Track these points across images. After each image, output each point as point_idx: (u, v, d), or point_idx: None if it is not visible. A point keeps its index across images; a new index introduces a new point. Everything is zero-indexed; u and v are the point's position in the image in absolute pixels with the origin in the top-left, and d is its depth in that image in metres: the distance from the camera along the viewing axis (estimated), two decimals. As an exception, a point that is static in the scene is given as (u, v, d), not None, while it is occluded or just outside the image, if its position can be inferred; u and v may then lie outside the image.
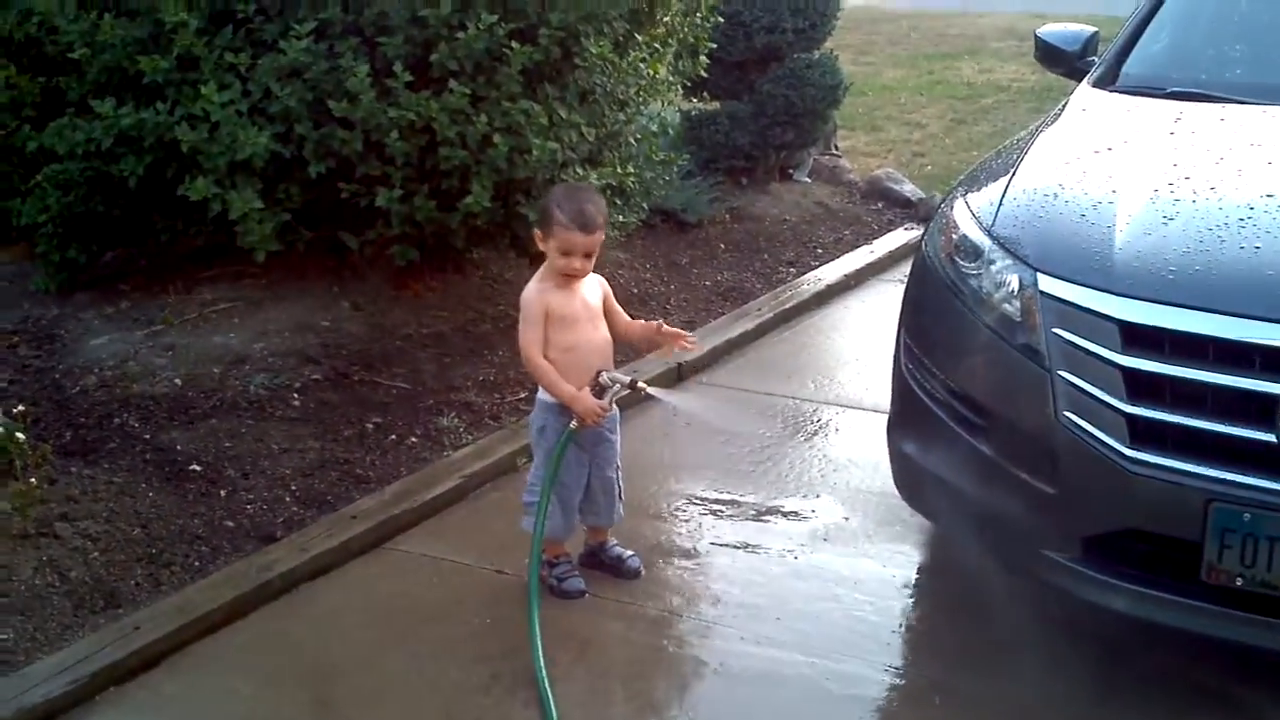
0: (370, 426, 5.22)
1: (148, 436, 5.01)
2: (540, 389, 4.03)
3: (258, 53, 5.45)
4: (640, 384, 4.03)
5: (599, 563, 4.26)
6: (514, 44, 5.33)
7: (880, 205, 8.93)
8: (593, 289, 4.04)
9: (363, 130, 5.36)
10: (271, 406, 5.27)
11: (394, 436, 5.16)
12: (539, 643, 3.72)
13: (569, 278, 3.94)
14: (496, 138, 5.36)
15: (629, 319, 4.19)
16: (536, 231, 4.00)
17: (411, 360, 5.74)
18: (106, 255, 6.46)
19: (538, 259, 5.98)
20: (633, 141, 6.37)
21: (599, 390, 3.92)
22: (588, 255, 3.92)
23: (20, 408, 4.80)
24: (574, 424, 3.92)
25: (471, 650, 3.86)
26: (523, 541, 4.39)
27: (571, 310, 3.95)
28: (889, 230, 8.35)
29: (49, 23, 5.85)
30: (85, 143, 5.65)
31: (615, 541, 4.29)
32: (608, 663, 3.79)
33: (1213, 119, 4.22)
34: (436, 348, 5.88)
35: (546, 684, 3.57)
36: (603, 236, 3.99)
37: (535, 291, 3.95)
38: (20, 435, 4.55)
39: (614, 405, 4.01)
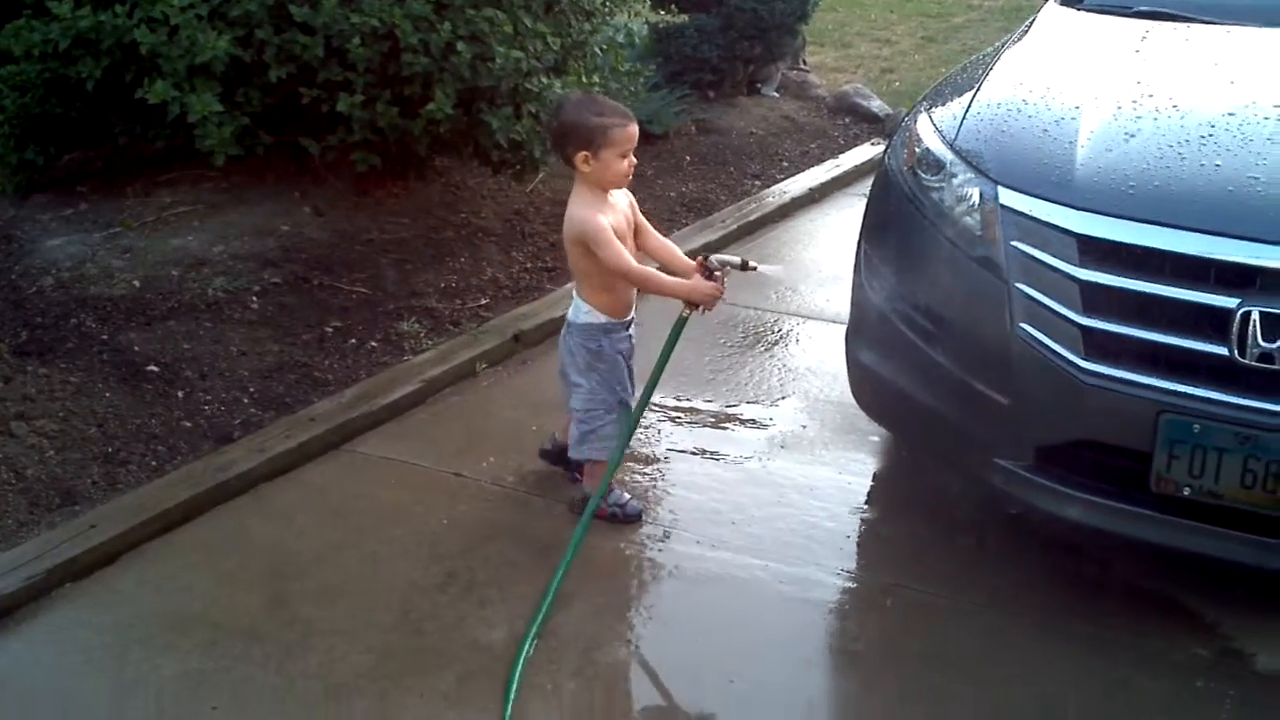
0: (330, 330, 5.20)
1: (105, 337, 4.99)
2: (579, 314, 3.90)
3: (219, -45, 5.37)
4: (751, 263, 3.83)
5: (559, 459, 4.24)
6: (479, -50, 5.27)
7: (847, 120, 8.90)
8: (624, 203, 3.92)
9: (324, 36, 5.29)
10: (230, 309, 5.25)
11: (353, 341, 5.15)
12: (565, 567, 3.66)
13: (627, 179, 3.81)
14: (460, 45, 5.31)
15: (660, 238, 4.05)
16: (580, 154, 3.72)
17: (372, 265, 5.71)
18: (64, 157, 6.39)
19: (500, 167, 6.01)
20: (598, 52, 6.31)
21: (708, 274, 3.80)
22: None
23: (-24, 306, 4.77)
24: (687, 311, 3.80)
25: (428, 550, 3.89)
26: (480, 445, 4.47)
27: (621, 228, 3.83)
28: (855, 145, 8.33)
29: (6, -80, 5.74)
30: (42, 44, 5.56)
31: None
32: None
33: (1178, 38, 4.23)
34: (398, 253, 5.85)
35: (547, 607, 3.55)
36: None
37: (592, 215, 3.75)
38: (-24, 333, 4.52)
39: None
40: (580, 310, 3.91)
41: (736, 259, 3.83)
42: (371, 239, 5.93)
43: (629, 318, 3.96)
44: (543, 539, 3.94)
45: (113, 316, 5.14)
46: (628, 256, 3.79)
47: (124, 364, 4.83)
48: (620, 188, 3.86)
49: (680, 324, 3.82)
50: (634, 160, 3.81)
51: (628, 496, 4.12)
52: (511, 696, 3.25)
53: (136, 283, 5.38)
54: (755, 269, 3.84)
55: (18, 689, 3.34)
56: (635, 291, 3.94)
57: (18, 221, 5.97)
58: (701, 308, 3.82)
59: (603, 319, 3.90)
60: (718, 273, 3.79)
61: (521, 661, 3.35)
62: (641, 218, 3.99)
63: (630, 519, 4.05)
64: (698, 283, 3.80)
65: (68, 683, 3.37)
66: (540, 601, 3.57)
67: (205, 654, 3.44)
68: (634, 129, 3.77)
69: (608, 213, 3.80)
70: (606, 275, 3.82)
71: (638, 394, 3.97)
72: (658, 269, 4.00)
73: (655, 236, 4.03)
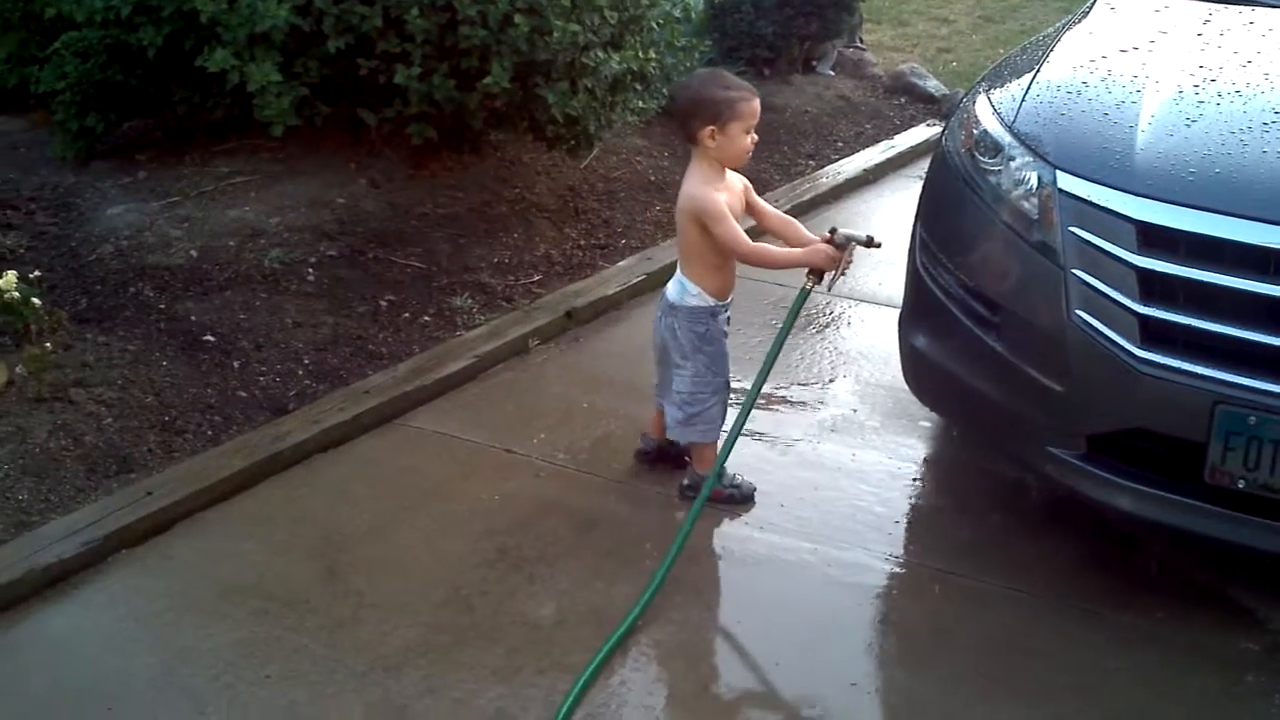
0: (384, 304, 5.24)
1: (162, 306, 5.04)
2: (686, 296, 3.89)
3: (280, -77, 5.39)
4: (876, 239, 3.87)
5: (670, 458, 4.22)
6: (539, -78, 5.27)
7: (903, 100, 8.84)
8: (739, 184, 3.95)
9: (383, 6, 5.31)
10: (286, 281, 5.29)
11: (407, 314, 5.18)
12: (676, 553, 3.63)
13: (749, 154, 3.84)
14: (518, 18, 5.31)
15: (780, 215, 4.08)
16: (707, 129, 3.73)
17: (427, 240, 5.74)
18: (124, 125, 6.45)
19: (555, 143, 6.01)
20: (655, 26, 6.29)
21: (835, 245, 3.83)
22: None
23: (36, 273, 4.84)
24: (810, 284, 3.83)
25: (479, 525, 3.91)
26: (532, 421, 4.49)
27: (736, 208, 3.86)
28: (910, 126, 8.26)
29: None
30: (104, 10, 5.61)
31: None
32: (612, 542, 3.83)
33: (1242, 22, 4.17)
34: (452, 228, 5.88)
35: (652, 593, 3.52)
36: None
37: (709, 191, 3.78)
38: (36, 300, 4.59)
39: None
40: (688, 292, 3.89)
41: (862, 235, 3.85)
42: (426, 213, 5.95)
43: (730, 299, 3.98)
44: (592, 516, 3.96)
45: (170, 286, 5.20)
46: (744, 235, 3.81)
47: (181, 333, 4.88)
48: (742, 163, 3.89)
49: (803, 296, 3.84)
50: (756, 137, 3.83)
51: (739, 475, 4.11)
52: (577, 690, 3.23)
53: (194, 252, 5.43)
54: (879, 245, 3.86)
55: (74, 654, 3.39)
56: (839, 244, 3.87)
57: (78, 189, 6.04)
58: (825, 280, 3.83)
59: (711, 301, 3.90)
60: (846, 246, 3.80)
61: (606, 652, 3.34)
62: (756, 197, 4.02)
63: (746, 498, 4.06)
64: (815, 248, 3.81)
65: (123, 648, 3.41)
66: (644, 591, 3.54)
67: (258, 623, 3.48)
68: (758, 104, 3.81)
69: (723, 190, 3.83)
70: (719, 255, 3.84)
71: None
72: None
73: (775, 214, 4.06)
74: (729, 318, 4.01)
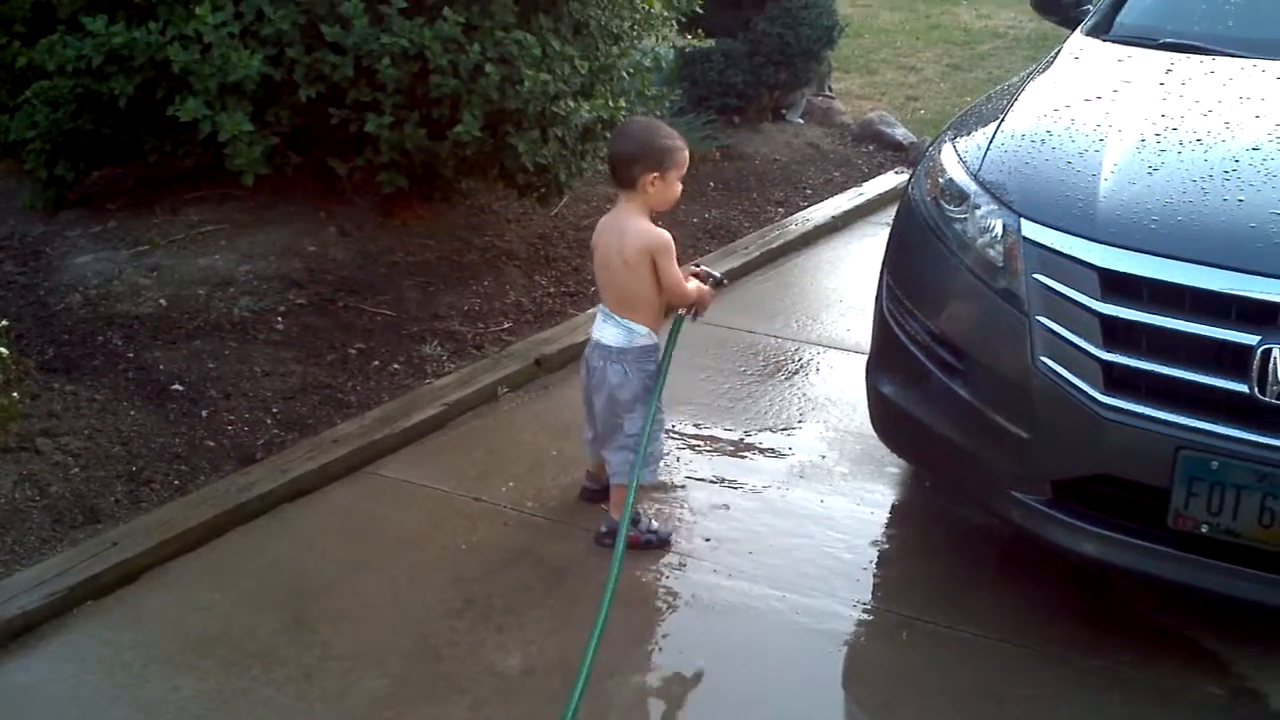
0: (353, 352, 5.24)
1: (131, 355, 5.03)
2: (635, 338, 3.94)
3: (252, -26, 5.42)
4: (724, 280, 4.25)
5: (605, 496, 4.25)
6: (509, -28, 5.31)
7: (871, 148, 8.91)
8: None
9: (354, 56, 5.33)
10: (255, 329, 5.28)
11: (377, 362, 5.18)
12: (610, 597, 3.50)
13: (675, 202, 4.01)
14: (489, 67, 5.34)
15: None
16: (649, 176, 3.84)
17: (396, 287, 5.75)
18: (94, 174, 6.45)
19: (526, 190, 6.04)
20: (625, 76, 6.33)
21: (707, 280, 4.13)
22: None
23: (4, 323, 4.81)
24: (685, 314, 4.04)
25: (447, 575, 3.90)
26: (501, 470, 4.50)
27: (707, 273, 4.14)
28: (879, 173, 8.33)
29: (41, -63, 5.81)
30: (76, 60, 5.61)
31: None
32: (582, 592, 3.82)
33: (1203, 71, 4.22)
34: (422, 276, 5.89)
35: (596, 640, 3.39)
36: None
37: (661, 230, 3.92)
38: (3, 350, 4.56)
39: None
40: (637, 334, 3.95)
41: (716, 272, 4.16)
42: (396, 261, 5.96)
43: None
44: (561, 565, 3.96)
45: (139, 335, 5.19)
46: (681, 279, 3.97)
47: (149, 382, 4.87)
48: (668, 209, 4.03)
49: (679, 324, 4.03)
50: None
51: (654, 521, 4.16)
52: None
53: (163, 301, 5.43)
54: (725, 284, 4.19)
55: (39, 707, 3.36)
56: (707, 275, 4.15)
57: (47, 237, 6.03)
58: (695, 313, 4.06)
59: (655, 339, 4.00)
60: (718, 282, 4.12)
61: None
62: None
63: (664, 542, 4.09)
64: (702, 286, 4.05)
65: (89, 701, 3.38)
66: (586, 648, 3.43)
67: (224, 674, 3.46)
68: (688, 153, 3.96)
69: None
70: (661, 294, 3.95)
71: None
72: None
73: None
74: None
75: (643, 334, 3.95)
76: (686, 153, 3.92)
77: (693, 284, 4.01)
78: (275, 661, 3.51)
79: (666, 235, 3.90)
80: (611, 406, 4.01)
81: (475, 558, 4.00)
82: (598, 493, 4.28)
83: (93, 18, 5.48)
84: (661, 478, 4.17)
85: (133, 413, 4.67)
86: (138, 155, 6.27)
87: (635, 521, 4.00)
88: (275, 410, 4.79)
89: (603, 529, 4.09)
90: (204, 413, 4.73)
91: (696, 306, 4.04)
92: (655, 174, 3.85)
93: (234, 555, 4.02)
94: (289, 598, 3.79)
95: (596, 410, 4.07)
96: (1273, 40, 4.35)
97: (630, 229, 3.90)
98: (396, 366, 5.18)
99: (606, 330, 3.97)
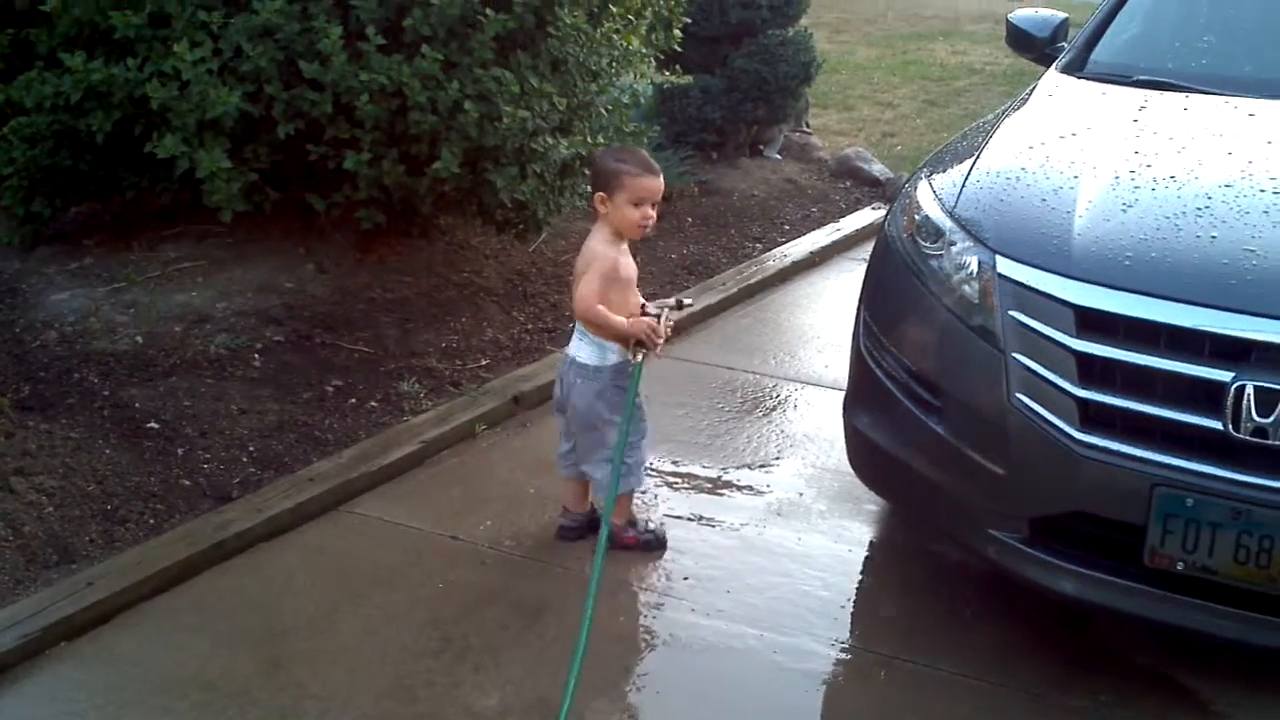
0: (330, 389, 5.22)
1: (107, 393, 5.01)
2: (608, 357, 4.02)
3: (230, 12, 5.42)
4: (685, 301, 4.15)
5: (595, 526, 4.25)
6: (488, 11, 5.32)
7: (849, 184, 8.95)
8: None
9: (333, 93, 5.33)
10: (232, 366, 5.27)
11: (354, 400, 5.17)
12: (592, 608, 3.50)
13: (643, 229, 3.98)
14: (467, 104, 5.35)
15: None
16: (597, 195, 3.96)
17: (374, 324, 5.74)
18: (71, 210, 6.42)
19: (504, 227, 6.05)
20: (604, 112, 6.35)
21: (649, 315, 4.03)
22: (654, 204, 3.96)
23: (-21, 361, 4.79)
24: (638, 357, 3.96)
25: (424, 614, 3.88)
26: (479, 508, 4.47)
27: (630, 275, 4.04)
28: (856, 209, 8.37)
29: (19, -27, 5.81)
30: (53, 96, 5.61)
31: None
32: (559, 630, 3.80)
33: (1176, 108, 4.25)
34: (400, 312, 5.88)
35: (581, 653, 3.40)
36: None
37: (609, 249, 3.98)
38: (-22, 388, 4.54)
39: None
40: (609, 350, 4.02)
41: (670, 300, 4.10)
42: (374, 297, 5.95)
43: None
44: (538, 604, 3.94)
45: (115, 372, 5.16)
46: (597, 295, 3.94)
47: (125, 420, 4.84)
48: (633, 236, 4.01)
49: (637, 371, 3.96)
50: (649, 215, 3.95)
51: (651, 522, 4.30)
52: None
53: (139, 338, 5.40)
54: (689, 305, 4.13)
55: (9, 749, 3.34)
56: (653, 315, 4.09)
57: (23, 274, 6.00)
58: (646, 351, 3.97)
59: (611, 362, 4.03)
60: (659, 317, 3.99)
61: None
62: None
63: (663, 544, 4.24)
64: (637, 319, 3.97)
65: (59, 743, 3.36)
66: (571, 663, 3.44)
67: (199, 716, 3.43)
68: (650, 181, 3.93)
69: (624, 255, 4.01)
70: (624, 310, 3.98)
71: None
72: None
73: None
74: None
75: (613, 349, 4.00)
76: (642, 179, 3.91)
77: (621, 319, 3.96)
78: (250, 702, 3.48)
79: (604, 255, 3.95)
80: (589, 423, 4.05)
81: (452, 597, 3.98)
82: (572, 530, 4.28)
83: (71, 54, 5.48)
84: (638, 488, 4.22)
85: (108, 451, 4.64)
86: (115, 191, 6.25)
87: (633, 524, 4.21)
88: (251, 448, 4.77)
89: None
90: (180, 451, 4.70)
91: (637, 338, 3.95)
92: (602, 194, 3.94)
93: (210, 595, 3.99)
94: (265, 638, 3.77)
95: (571, 425, 4.13)
96: (1246, 78, 4.40)
97: (585, 247, 4.02)
98: (374, 404, 5.16)
99: (580, 347, 4.04)
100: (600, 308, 3.94)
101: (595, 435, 4.05)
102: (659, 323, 3.97)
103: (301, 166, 5.67)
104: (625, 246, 4.03)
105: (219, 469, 4.63)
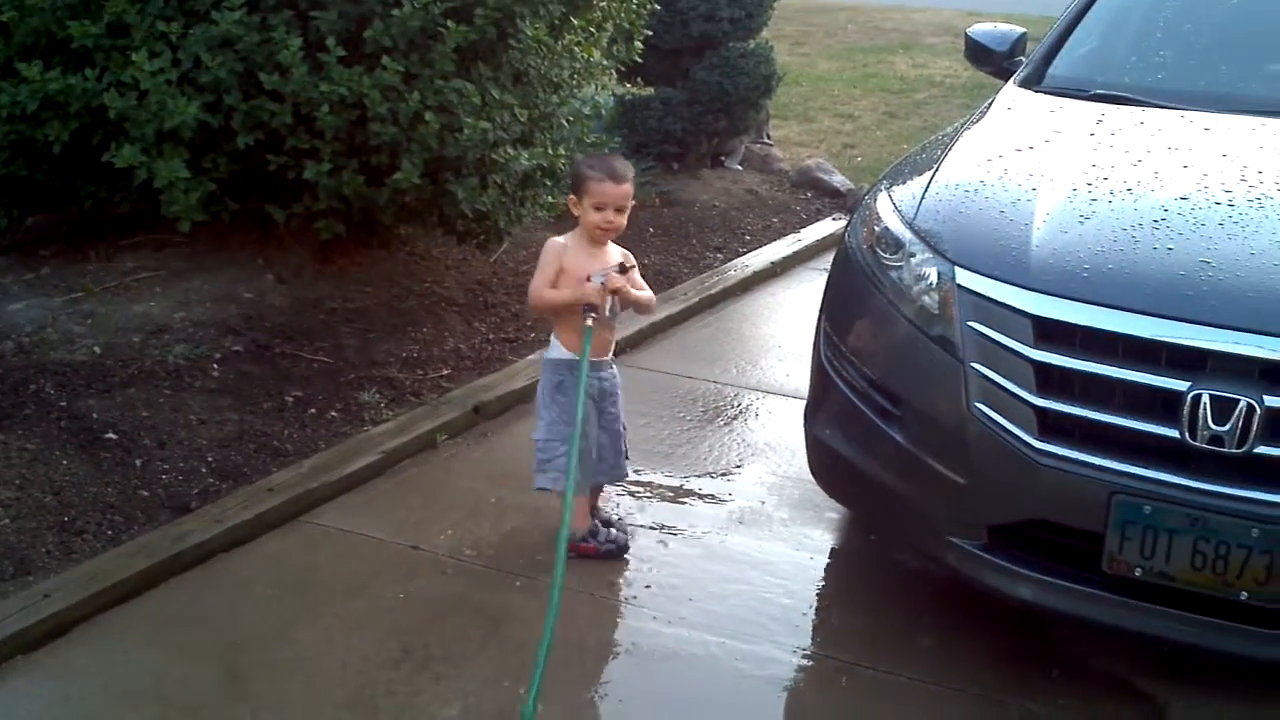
0: (290, 399, 5.20)
1: (64, 404, 4.96)
2: (550, 350, 4.18)
3: (189, 22, 5.40)
4: (627, 264, 4.12)
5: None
6: (449, 23, 5.32)
7: (810, 195, 8.99)
8: (616, 259, 4.13)
9: (293, 103, 5.32)
10: (191, 377, 5.23)
11: (313, 410, 5.14)
12: (555, 610, 3.48)
13: (604, 232, 4.07)
14: (428, 115, 5.34)
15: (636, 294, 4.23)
16: (570, 197, 4.14)
17: (334, 334, 5.72)
18: (28, 220, 6.38)
19: (465, 237, 6.06)
20: (565, 124, 6.37)
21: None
22: (619, 210, 4.06)
23: (-66, 371, 4.74)
24: (588, 320, 3.97)
25: (384, 624, 3.87)
26: (439, 518, 4.45)
27: (575, 268, 4.07)
28: (817, 220, 8.41)
29: (-26, -17, 5.76)
30: (10, 106, 5.56)
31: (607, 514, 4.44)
32: (520, 640, 3.79)
33: (1133, 122, 4.30)
34: (360, 322, 5.86)
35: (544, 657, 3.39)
36: (631, 191, 4.11)
37: (556, 243, 4.13)
38: (-68, 399, 4.50)
39: (614, 367, 4.25)
40: (552, 346, 4.16)
41: (615, 267, 4.09)
42: (334, 307, 5.93)
43: (602, 359, 4.17)
44: (500, 614, 3.93)
45: (72, 383, 5.12)
46: (544, 287, 4.07)
47: (82, 431, 4.80)
48: (596, 241, 4.10)
49: (587, 332, 3.97)
50: (611, 220, 4.05)
51: (613, 530, 4.29)
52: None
53: (97, 349, 5.36)
54: (632, 267, 4.13)
55: (-36, 763, 3.30)
56: (611, 335, 4.22)
57: (-21, 285, 5.95)
58: (595, 313, 3.99)
59: (567, 355, 4.08)
60: (597, 280, 4.01)
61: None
62: (635, 276, 4.18)
63: (622, 551, 4.26)
64: (581, 285, 4.01)
65: (15, 757, 3.33)
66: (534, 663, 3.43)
67: (156, 728, 3.41)
68: (609, 187, 4.03)
69: (575, 251, 4.09)
70: (569, 310, 4.03)
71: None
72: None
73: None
74: (605, 378, 4.19)
75: (554, 346, 4.16)
76: (604, 184, 4.03)
77: (565, 291, 4.05)
78: (209, 715, 3.46)
79: (545, 247, 4.12)
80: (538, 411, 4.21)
81: (413, 607, 3.96)
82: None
83: (28, 64, 5.44)
84: (552, 488, 4.13)
85: (65, 462, 4.61)
86: (73, 201, 6.21)
87: (593, 533, 4.24)
88: (210, 459, 4.74)
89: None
90: (138, 462, 4.67)
91: (586, 302, 3.98)
92: (574, 196, 4.11)
93: (168, 607, 3.96)
94: (224, 650, 3.74)
95: None
96: (1201, 92, 4.45)
97: None
98: (334, 414, 5.14)
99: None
100: (543, 290, 4.08)
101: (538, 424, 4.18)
102: (606, 286, 4.01)
103: (261, 177, 5.66)
104: (597, 250, 4.10)
105: (177, 480, 4.60)
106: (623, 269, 4.07)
